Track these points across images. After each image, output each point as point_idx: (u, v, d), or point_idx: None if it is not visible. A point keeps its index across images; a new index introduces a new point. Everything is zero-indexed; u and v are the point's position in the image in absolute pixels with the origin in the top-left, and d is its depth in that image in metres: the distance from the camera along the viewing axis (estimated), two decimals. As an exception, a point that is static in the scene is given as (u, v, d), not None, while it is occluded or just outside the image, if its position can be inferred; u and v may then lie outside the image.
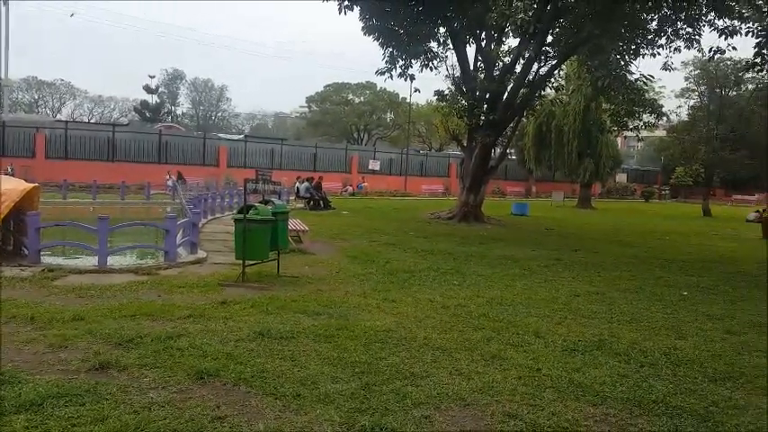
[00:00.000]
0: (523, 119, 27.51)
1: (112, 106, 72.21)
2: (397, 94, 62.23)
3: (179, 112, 74.59)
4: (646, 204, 42.28)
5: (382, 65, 19.53)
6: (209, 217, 16.69)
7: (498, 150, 23.99)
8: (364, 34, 18.88)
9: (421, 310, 6.54)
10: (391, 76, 19.63)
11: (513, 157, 44.35)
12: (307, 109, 70.58)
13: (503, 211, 24.59)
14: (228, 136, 44.96)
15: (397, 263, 9.88)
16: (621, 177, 52.53)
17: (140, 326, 5.40)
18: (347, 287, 7.70)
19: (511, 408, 3.91)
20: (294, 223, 11.82)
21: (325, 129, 65.06)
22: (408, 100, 50.92)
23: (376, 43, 18.93)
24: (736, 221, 25.49)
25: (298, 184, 24.12)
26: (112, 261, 8.83)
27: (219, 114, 79.41)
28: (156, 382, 4.09)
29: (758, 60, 5.19)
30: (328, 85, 66.47)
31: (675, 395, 4.29)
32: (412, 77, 19.94)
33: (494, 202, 29.36)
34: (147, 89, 63.86)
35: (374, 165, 42.00)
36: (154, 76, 64.91)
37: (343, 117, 63.92)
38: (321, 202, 22.27)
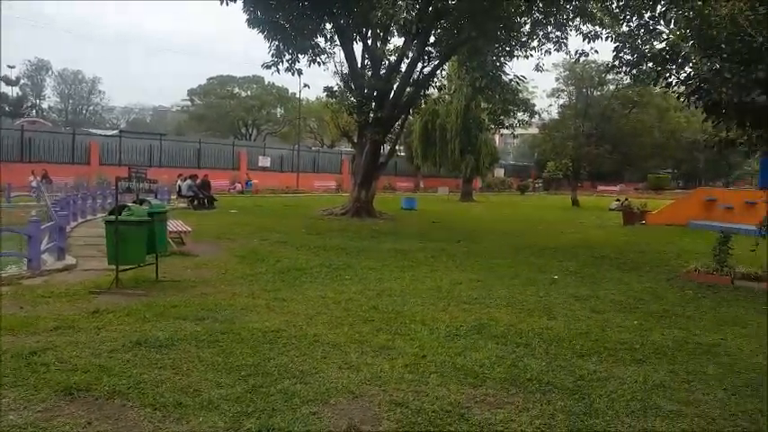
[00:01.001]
0: (410, 117, 28.23)
1: (-36, 100, 64.96)
2: (287, 89, 61.47)
3: (45, 105, 68.54)
4: (521, 197, 45.00)
5: (269, 58, 19.24)
6: (80, 220, 15.56)
7: (388, 147, 24.45)
8: (249, 27, 18.45)
9: (312, 308, 6.50)
10: (278, 70, 19.33)
11: (402, 154, 45.46)
12: (189, 103, 67.54)
13: (393, 205, 25.07)
14: (101, 131, 41.99)
15: (288, 261, 9.75)
16: (499, 172, 55.68)
17: (-1, 341, 4.92)
18: (234, 288, 7.47)
19: (397, 396, 4.01)
20: (175, 224, 11.32)
21: (209, 123, 62.62)
22: (298, 95, 50.52)
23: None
24: (600, 210, 27.69)
25: (179, 182, 23.05)
26: (-35, 272, 7.97)
27: (91, 108, 73.81)
28: (18, 402, 3.73)
29: (616, 63, 5.74)
30: (212, 78, 63.94)
31: (548, 372, 4.60)
32: (300, 72, 19.74)
33: (385, 198, 29.86)
34: (6, 80, 57.90)
35: (264, 161, 41.13)
36: (14, 66, 59.01)
37: (229, 111, 61.83)
38: (206, 201, 21.47)
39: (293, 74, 19.58)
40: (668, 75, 4.38)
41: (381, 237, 13.93)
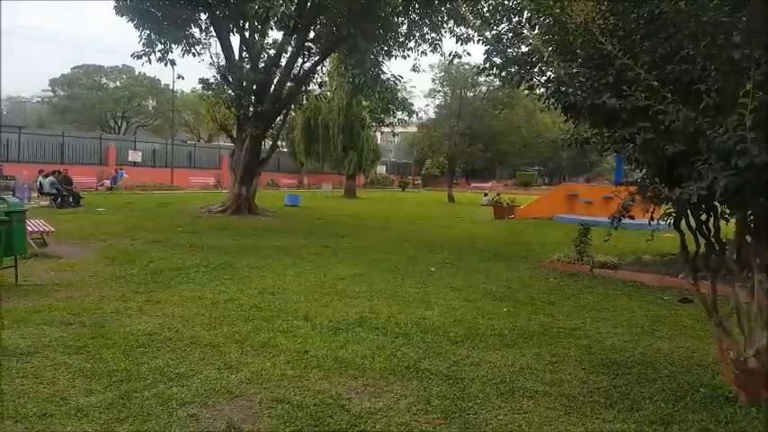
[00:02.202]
0: (292, 112, 27.93)
1: None
2: (159, 80, 58.35)
3: None
4: (402, 193, 46.15)
5: (140, 48, 18.20)
6: None
7: (269, 142, 24.05)
8: (116, 14, 17.36)
9: (189, 309, 6.29)
10: (149, 61, 18.37)
11: (286, 150, 44.87)
12: (51, 93, 61.94)
13: (276, 202, 24.72)
14: (-55, 123, 37.38)
15: (163, 261, 9.31)
16: (381, 169, 56.81)
17: None
18: (103, 291, 7.03)
19: (279, 393, 4.02)
20: (36, 224, 10.42)
21: (75, 116, 57.87)
22: (171, 87, 48.20)
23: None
24: (474, 205, 29.05)
25: (41, 178, 21.15)
26: None
27: (-64, 98, 65.36)
28: None
29: (487, 65, 6.12)
30: (77, 67, 59.09)
31: (425, 360, 4.82)
32: (173, 63, 18.87)
33: (267, 194, 29.33)
34: None
35: (135, 156, 38.66)
36: None
37: (96, 103, 57.51)
38: (71, 199, 19.90)
39: (166, 64, 18.73)
40: (531, 78, 4.71)
41: (263, 234, 13.70)
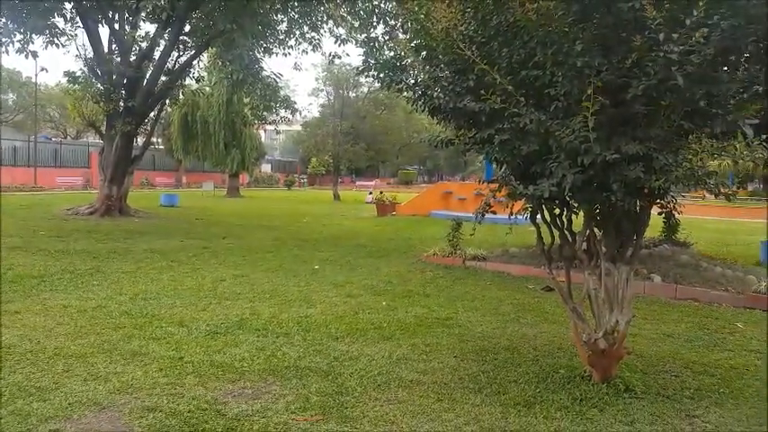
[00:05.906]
0: (168, 107, 26.65)
1: None
2: (20, 72, 53.35)
3: None
4: (288, 192, 45.69)
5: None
6: None
7: (143, 139, 22.82)
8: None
9: (52, 319, 5.86)
10: (7, 52, 16.86)
11: (161, 147, 42.67)
12: None
13: (151, 202, 23.50)
14: None
15: (23, 268, 8.55)
16: (266, 168, 55.89)
17: None
18: (-48, 304, 6.38)
19: (151, 402, 3.88)
20: None
21: None
22: (34, 80, 44.25)
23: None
24: (358, 203, 29.49)
25: None
26: None
27: None
28: None
29: (365, 67, 6.28)
30: None
31: (305, 358, 4.86)
32: (34, 54, 17.35)
33: (141, 194, 27.78)
34: None
35: (-7, 155, 35.09)
36: None
37: (-54, 98, 51.52)
38: None
39: (27, 56, 17.21)
40: (400, 81, 4.87)
41: (136, 237, 12.99)
